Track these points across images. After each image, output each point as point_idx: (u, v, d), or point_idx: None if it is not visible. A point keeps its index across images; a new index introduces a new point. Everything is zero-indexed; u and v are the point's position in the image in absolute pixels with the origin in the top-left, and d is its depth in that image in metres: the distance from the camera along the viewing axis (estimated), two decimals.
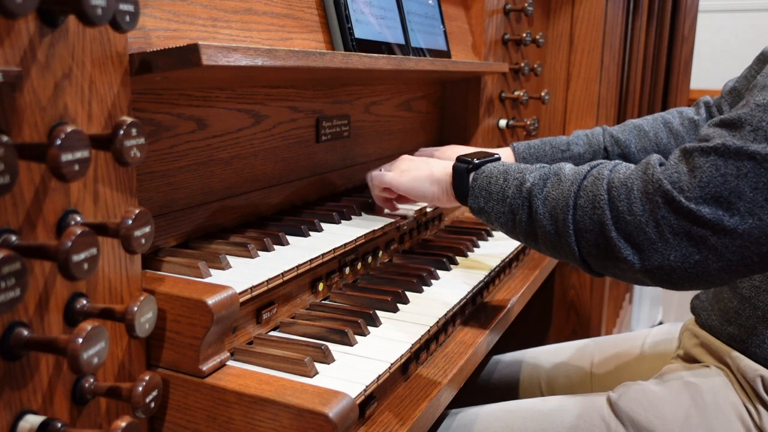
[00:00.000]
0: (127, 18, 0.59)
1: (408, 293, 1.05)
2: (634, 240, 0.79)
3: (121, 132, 0.58)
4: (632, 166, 0.85)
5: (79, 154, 0.54)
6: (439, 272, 1.18)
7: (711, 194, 0.74)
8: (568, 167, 0.90)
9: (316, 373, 0.78)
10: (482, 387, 1.47)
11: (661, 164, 0.81)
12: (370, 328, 0.92)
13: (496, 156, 1.04)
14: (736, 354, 1.03)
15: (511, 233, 0.95)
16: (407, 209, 1.22)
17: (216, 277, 0.82)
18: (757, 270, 0.77)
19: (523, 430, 1.10)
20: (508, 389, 1.44)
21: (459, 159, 1.02)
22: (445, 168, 1.05)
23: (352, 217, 1.15)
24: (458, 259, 1.26)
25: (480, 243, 1.39)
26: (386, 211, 1.18)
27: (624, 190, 0.80)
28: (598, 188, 0.82)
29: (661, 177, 0.78)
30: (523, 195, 0.90)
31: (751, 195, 0.73)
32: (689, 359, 1.15)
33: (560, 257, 0.89)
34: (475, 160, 1.01)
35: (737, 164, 0.74)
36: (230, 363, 0.78)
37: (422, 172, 1.07)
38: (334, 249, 0.97)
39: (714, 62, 4.30)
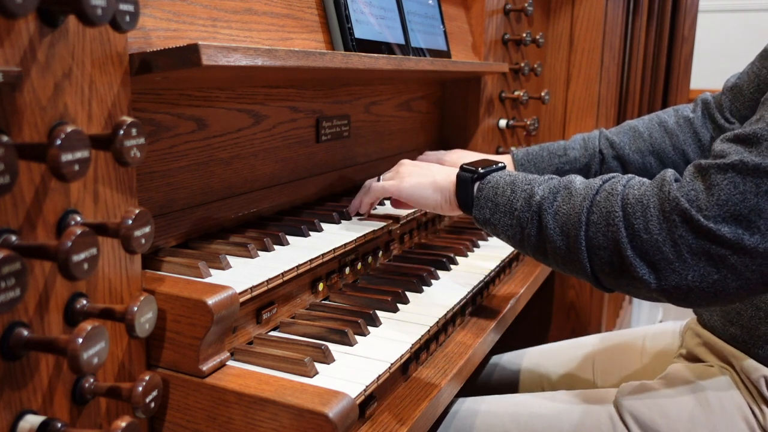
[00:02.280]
0: (127, 18, 0.59)
1: (408, 293, 1.05)
2: (650, 259, 0.77)
3: (121, 132, 0.58)
4: (646, 181, 0.83)
5: (79, 154, 0.54)
6: (439, 272, 1.18)
7: (730, 213, 0.73)
8: (578, 180, 0.88)
9: (316, 373, 0.78)
10: (482, 387, 1.47)
11: (676, 180, 0.79)
12: (370, 328, 0.92)
13: (501, 165, 1.02)
14: (739, 354, 1.03)
15: (519, 246, 0.93)
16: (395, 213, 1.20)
17: (216, 277, 0.82)
18: None
19: (530, 424, 1.10)
20: (508, 389, 1.44)
21: (463, 168, 0.99)
22: (449, 176, 1.03)
23: (353, 217, 1.15)
24: (458, 259, 1.26)
25: (480, 243, 1.39)
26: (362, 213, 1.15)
27: (640, 207, 0.78)
28: (612, 205, 0.81)
29: (678, 195, 0.76)
30: (532, 209, 0.88)
31: None
32: (692, 358, 1.15)
33: (570, 273, 0.87)
34: (480, 170, 0.98)
35: (756, 181, 0.72)
36: (230, 363, 0.78)
37: (425, 179, 1.05)
38: (334, 249, 0.97)
39: (714, 62, 4.30)
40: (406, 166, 1.10)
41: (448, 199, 1.03)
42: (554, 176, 0.93)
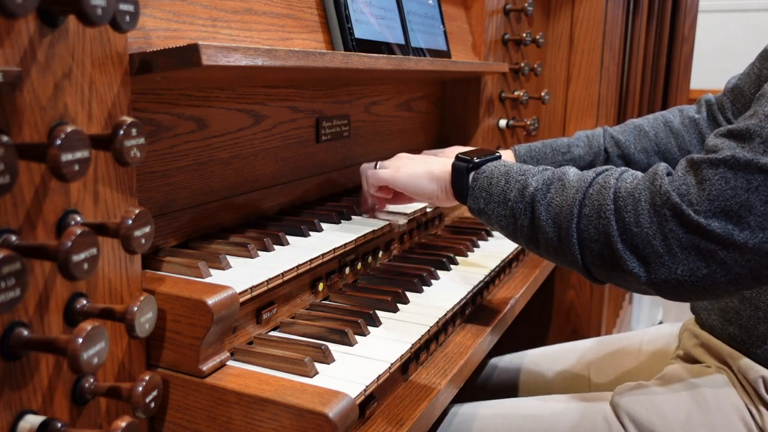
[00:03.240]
0: (127, 18, 0.59)
1: (408, 293, 1.05)
2: (641, 252, 0.77)
3: (121, 132, 0.58)
4: (639, 174, 0.83)
5: (79, 154, 0.54)
6: (439, 272, 1.18)
7: (721, 208, 0.73)
8: (572, 172, 0.88)
9: (316, 373, 0.78)
10: (480, 389, 1.47)
11: (668, 174, 0.79)
12: (370, 328, 0.92)
13: (497, 154, 1.02)
14: (737, 355, 1.03)
15: (512, 236, 0.93)
16: (399, 211, 1.20)
17: (216, 277, 0.82)
18: (765, 282, 0.76)
19: (524, 429, 1.10)
20: (506, 392, 1.44)
21: (458, 157, 1.00)
22: (444, 166, 1.02)
23: (352, 217, 1.15)
24: (458, 259, 1.26)
25: (480, 243, 1.39)
26: (373, 212, 1.15)
27: (631, 200, 0.79)
28: (604, 198, 0.81)
29: (669, 189, 0.76)
30: (525, 200, 0.88)
31: (762, 209, 0.71)
32: (689, 359, 1.15)
33: (562, 264, 0.87)
34: (476, 159, 0.98)
35: (747, 177, 0.72)
36: (230, 363, 0.78)
37: (421, 169, 1.04)
38: (334, 249, 0.97)
39: (714, 62, 4.30)
40: (401, 158, 1.10)
41: (443, 189, 1.02)
42: (549, 167, 0.92)
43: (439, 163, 1.04)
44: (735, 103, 1.25)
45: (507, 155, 1.31)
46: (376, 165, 1.12)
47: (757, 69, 1.20)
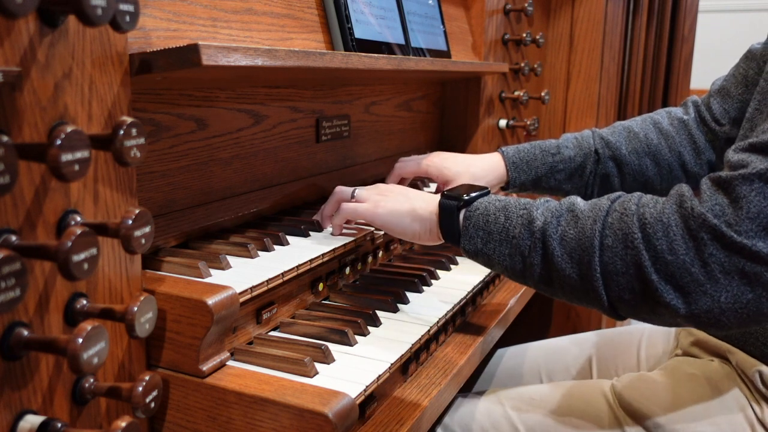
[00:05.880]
0: (127, 18, 0.59)
1: (408, 293, 1.05)
2: (678, 282, 0.72)
3: (121, 132, 0.58)
4: (659, 198, 0.78)
5: (79, 154, 0.54)
6: (439, 272, 1.18)
7: (763, 226, 0.69)
8: (580, 201, 0.83)
9: (316, 373, 0.78)
10: (484, 380, 1.48)
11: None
12: (370, 328, 0.92)
13: (485, 189, 0.94)
14: (735, 349, 1.03)
15: (519, 277, 0.85)
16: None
17: (216, 277, 0.82)
18: None
19: (530, 411, 1.10)
20: (510, 382, 1.45)
21: (445, 195, 0.92)
22: (429, 204, 0.94)
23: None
24: (458, 259, 1.26)
25: None
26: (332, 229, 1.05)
27: (660, 227, 0.73)
28: (629, 226, 0.75)
29: (703, 211, 0.71)
30: (535, 235, 0.81)
31: None
32: (689, 357, 1.15)
33: (580, 302, 0.81)
34: (465, 196, 0.90)
35: None
36: (230, 363, 0.78)
37: (402, 207, 0.96)
38: (334, 249, 0.97)
39: (714, 62, 4.29)
40: (381, 190, 1.02)
41: (428, 230, 0.95)
42: (549, 199, 0.88)
43: (422, 200, 0.97)
44: (723, 104, 1.25)
45: (494, 157, 1.27)
46: (353, 193, 1.04)
47: (743, 69, 1.20)
